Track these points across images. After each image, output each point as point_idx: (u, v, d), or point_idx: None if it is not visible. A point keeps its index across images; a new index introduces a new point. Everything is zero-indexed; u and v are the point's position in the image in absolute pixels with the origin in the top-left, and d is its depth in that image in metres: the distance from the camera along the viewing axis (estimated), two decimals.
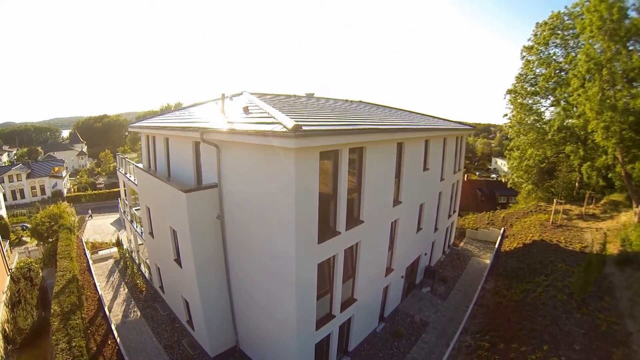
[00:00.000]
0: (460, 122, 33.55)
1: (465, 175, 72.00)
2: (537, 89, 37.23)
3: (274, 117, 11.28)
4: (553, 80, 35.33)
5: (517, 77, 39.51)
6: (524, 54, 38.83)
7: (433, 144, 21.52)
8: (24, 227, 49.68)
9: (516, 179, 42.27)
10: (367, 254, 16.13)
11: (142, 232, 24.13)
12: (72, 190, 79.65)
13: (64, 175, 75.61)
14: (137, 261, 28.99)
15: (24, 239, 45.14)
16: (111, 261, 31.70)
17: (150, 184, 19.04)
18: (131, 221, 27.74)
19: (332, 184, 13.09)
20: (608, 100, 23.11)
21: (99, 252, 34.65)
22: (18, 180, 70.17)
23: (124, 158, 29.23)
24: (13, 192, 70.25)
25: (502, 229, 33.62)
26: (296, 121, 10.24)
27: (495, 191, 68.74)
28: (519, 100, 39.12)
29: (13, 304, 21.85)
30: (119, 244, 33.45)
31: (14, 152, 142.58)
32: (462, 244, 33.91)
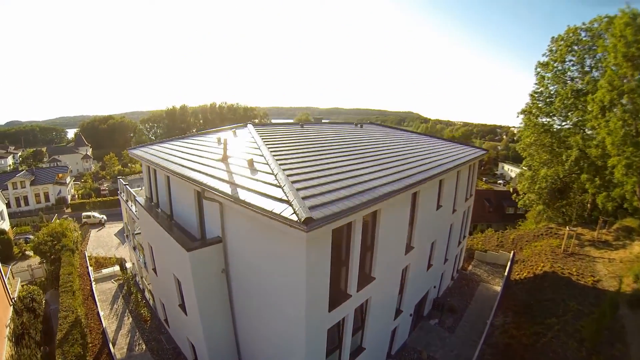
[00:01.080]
0: (475, 146, 32.76)
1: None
2: (553, 109, 35.98)
3: (281, 188, 10.65)
4: (570, 102, 34.02)
5: (531, 94, 38.25)
6: (539, 69, 37.69)
7: (447, 181, 20.93)
8: (27, 240, 49.50)
9: (527, 201, 41.13)
10: (377, 305, 15.65)
11: (145, 263, 23.71)
12: (76, 196, 79.55)
13: (67, 182, 75.49)
14: (140, 286, 28.60)
15: (27, 252, 44.89)
16: (115, 284, 31.35)
17: (153, 226, 18.53)
18: (134, 248, 27.34)
19: (344, 251, 12.61)
20: (631, 135, 22.25)
21: (102, 271, 34.47)
22: (22, 187, 70.11)
23: (125, 185, 28.55)
24: (17, 199, 70.24)
25: (512, 252, 32.97)
26: (306, 199, 9.75)
27: (503, 202, 68.18)
28: (533, 121, 37.82)
29: (17, 338, 21.51)
30: (122, 267, 33.18)
31: (19, 153, 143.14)
32: (470, 267, 33.28)
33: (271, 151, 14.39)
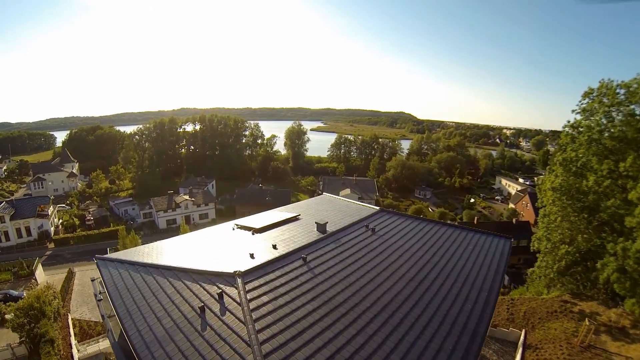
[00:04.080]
0: (497, 234, 29.61)
1: (476, 218, 69.21)
2: (585, 187, 31.50)
3: None
4: (605, 173, 30.25)
5: (561, 160, 33.55)
6: (568, 130, 34.28)
7: None
8: (8, 297, 46.15)
9: (541, 273, 37.52)
10: None
11: None
12: (60, 227, 76.20)
13: (50, 213, 72.05)
14: None
15: (6, 316, 41.59)
16: None
17: None
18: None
19: None
20: None
21: (87, 350, 32.09)
22: (2, 223, 66.57)
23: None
24: None
25: (524, 331, 30.85)
26: None
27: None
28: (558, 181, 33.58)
29: None
30: None
31: (4, 167, 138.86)
32: None
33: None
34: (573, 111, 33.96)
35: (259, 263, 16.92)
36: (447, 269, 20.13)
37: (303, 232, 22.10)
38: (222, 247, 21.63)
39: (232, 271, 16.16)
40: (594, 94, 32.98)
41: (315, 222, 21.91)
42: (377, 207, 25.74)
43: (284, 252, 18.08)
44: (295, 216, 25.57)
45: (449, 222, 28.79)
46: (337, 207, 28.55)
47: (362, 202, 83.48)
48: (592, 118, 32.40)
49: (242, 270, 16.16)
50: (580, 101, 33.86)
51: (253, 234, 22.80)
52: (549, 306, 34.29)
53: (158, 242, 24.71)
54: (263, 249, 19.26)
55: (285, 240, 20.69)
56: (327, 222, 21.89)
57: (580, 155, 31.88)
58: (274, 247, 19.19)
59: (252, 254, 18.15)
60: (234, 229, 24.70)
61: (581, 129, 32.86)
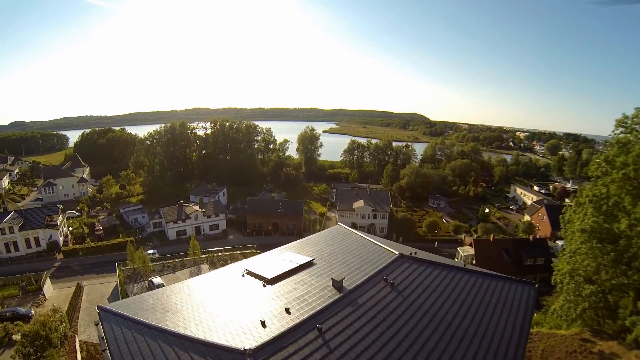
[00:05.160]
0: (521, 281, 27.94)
1: (492, 235, 67.08)
2: (615, 228, 28.96)
3: None
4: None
5: (591, 197, 30.81)
6: (600, 163, 31.56)
7: None
8: (16, 315, 45.59)
9: (563, 313, 35.06)
10: None
11: None
12: (69, 237, 75.85)
13: (59, 224, 71.69)
14: None
15: (13, 336, 40.97)
16: None
17: None
18: None
19: None
20: None
21: None
22: (11, 233, 66.33)
23: None
24: (6, 245, 66.54)
25: None
26: None
27: (522, 252, 64.17)
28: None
29: None
30: None
31: (16, 170, 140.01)
32: None
33: None
34: (606, 142, 31.73)
35: (270, 338, 15.42)
36: (471, 331, 18.56)
37: (318, 286, 20.57)
38: (232, 302, 20.25)
39: (242, 348, 14.74)
40: (629, 122, 30.65)
41: (331, 279, 20.35)
42: (397, 253, 23.86)
43: (297, 321, 16.57)
44: (310, 261, 24.08)
45: (470, 267, 26.91)
46: (353, 248, 26.87)
47: (375, 214, 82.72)
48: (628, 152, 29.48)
49: (253, 347, 14.73)
50: (613, 131, 31.58)
51: (264, 285, 21.37)
52: (569, 345, 32.56)
53: (162, 289, 23.55)
54: (275, 313, 17.79)
55: (299, 298, 19.17)
56: (344, 278, 20.31)
57: (613, 193, 29.24)
58: (287, 311, 17.69)
59: (264, 322, 16.72)
60: (244, 275, 23.29)
61: (615, 163, 29.87)
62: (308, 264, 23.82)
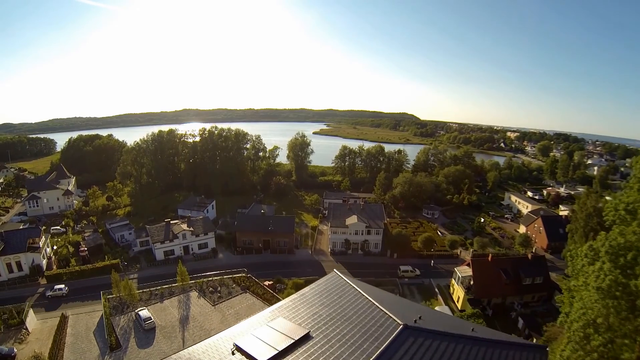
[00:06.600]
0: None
1: (490, 255, 65.46)
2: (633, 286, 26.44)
3: None
4: None
5: (608, 248, 27.80)
6: (618, 208, 28.94)
7: None
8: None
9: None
10: None
11: None
12: (53, 258, 72.78)
13: (41, 246, 68.58)
14: None
15: None
16: None
17: None
18: None
19: None
20: None
21: None
22: None
23: None
24: None
25: None
26: None
27: (520, 272, 62.50)
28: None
29: None
30: None
31: (0, 180, 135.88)
32: None
33: None
34: (624, 187, 29.46)
35: None
36: None
37: None
38: None
39: None
40: None
41: None
42: (401, 324, 21.78)
43: None
44: (306, 334, 21.94)
45: (478, 335, 24.94)
46: (351, 312, 24.57)
47: (369, 230, 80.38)
48: None
49: None
50: (632, 173, 29.51)
51: None
52: None
53: None
54: None
55: None
56: None
57: (634, 244, 26.41)
58: None
59: None
60: (233, 353, 21.11)
61: (636, 214, 27.65)
62: (304, 338, 21.69)
